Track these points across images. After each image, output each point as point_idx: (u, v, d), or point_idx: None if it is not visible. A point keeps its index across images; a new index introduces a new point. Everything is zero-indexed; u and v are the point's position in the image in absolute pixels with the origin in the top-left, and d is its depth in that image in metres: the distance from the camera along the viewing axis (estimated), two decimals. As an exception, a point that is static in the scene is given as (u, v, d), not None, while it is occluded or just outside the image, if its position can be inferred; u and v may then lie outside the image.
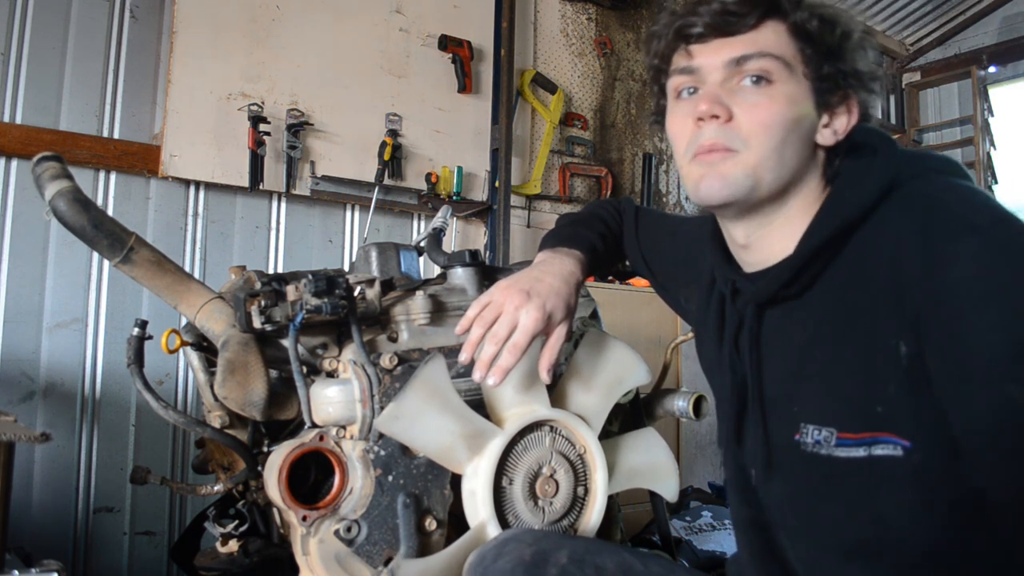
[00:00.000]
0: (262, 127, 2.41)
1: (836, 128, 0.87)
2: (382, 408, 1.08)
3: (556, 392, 1.19)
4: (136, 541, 2.23)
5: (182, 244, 2.38)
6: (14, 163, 2.11)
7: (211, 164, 2.37)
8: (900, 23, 4.57)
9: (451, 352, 1.15)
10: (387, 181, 2.70)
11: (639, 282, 2.82)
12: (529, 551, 0.94)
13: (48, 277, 2.15)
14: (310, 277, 1.08)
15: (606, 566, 0.93)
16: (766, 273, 0.89)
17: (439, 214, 1.50)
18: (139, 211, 2.31)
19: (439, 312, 1.21)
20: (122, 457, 2.22)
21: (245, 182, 2.42)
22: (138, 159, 2.28)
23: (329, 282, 1.08)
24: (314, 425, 1.12)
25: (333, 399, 1.11)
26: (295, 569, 1.11)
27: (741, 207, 0.87)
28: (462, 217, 2.98)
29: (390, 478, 1.10)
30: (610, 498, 1.21)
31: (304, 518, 1.06)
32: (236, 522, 1.21)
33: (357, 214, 2.75)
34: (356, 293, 1.14)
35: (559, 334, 1.05)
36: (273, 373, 1.12)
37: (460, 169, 2.89)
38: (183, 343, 1.12)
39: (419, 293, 1.21)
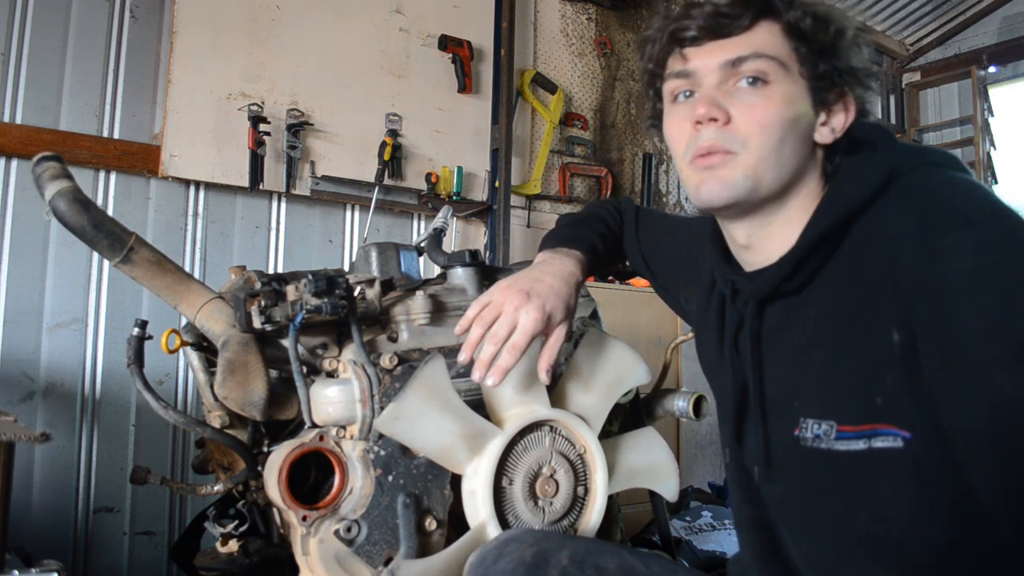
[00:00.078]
0: (262, 127, 2.41)
1: (834, 126, 0.87)
2: (382, 408, 1.08)
3: (556, 392, 1.19)
4: (136, 541, 2.23)
5: (182, 244, 2.38)
6: (14, 163, 2.11)
7: (211, 164, 2.37)
8: (900, 23, 4.56)
9: (451, 352, 1.15)
10: (387, 181, 2.70)
11: (639, 282, 2.82)
12: (530, 552, 0.94)
13: (48, 277, 2.16)
14: (310, 277, 1.08)
15: (607, 567, 0.93)
16: (766, 271, 0.89)
17: (439, 214, 1.50)
18: (139, 211, 2.31)
19: (439, 312, 1.21)
20: (122, 457, 2.22)
21: (245, 182, 2.42)
22: (138, 159, 2.28)
23: (329, 282, 1.08)
24: (314, 425, 1.12)
25: (333, 399, 1.11)
26: (295, 569, 1.11)
27: (742, 208, 0.87)
28: (462, 217, 2.98)
29: (390, 478, 1.10)
30: (610, 498, 1.21)
31: (304, 518, 1.06)
32: (236, 522, 1.21)
33: (357, 214, 2.75)
34: (356, 293, 1.14)
35: (559, 334, 1.05)
36: (273, 373, 1.12)
37: (460, 169, 2.89)
38: (183, 343, 1.12)
39: (419, 293, 1.21)
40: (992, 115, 4.40)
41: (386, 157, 2.66)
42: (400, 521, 1.09)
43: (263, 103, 2.44)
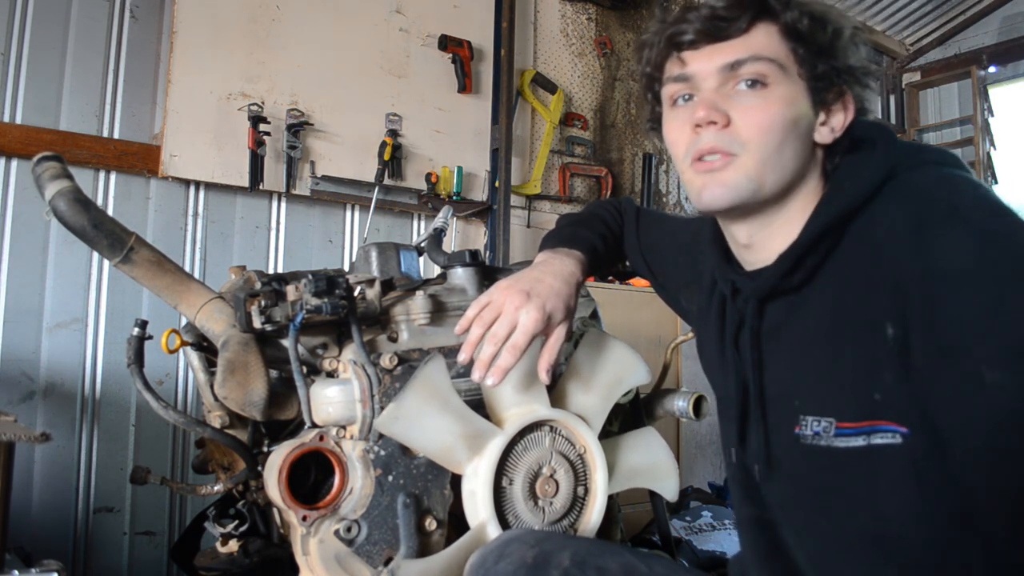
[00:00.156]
0: (262, 127, 2.41)
1: (833, 125, 0.87)
2: (382, 408, 1.08)
3: (556, 392, 1.19)
4: (136, 541, 2.23)
5: (182, 244, 2.38)
6: (14, 163, 2.11)
7: (211, 164, 2.37)
8: (900, 23, 4.56)
9: (451, 352, 1.15)
10: (387, 181, 2.70)
11: (639, 282, 2.82)
12: (531, 553, 0.94)
13: (48, 277, 2.16)
14: (310, 277, 1.08)
15: (609, 567, 0.92)
16: (766, 269, 0.89)
17: (440, 214, 1.50)
18: (139, 211, 2.31)
19: (439, 312, 1.21)
20: (122, 457, 2.22)
21: (245, 182, 2.42)
22: (138, 159, 2.28)
23: (329, 282, 1.08)
24: (314, 425, 1.12)
25: (333, 399, 1.11)
26: (295, 569, 1.11)
27: (744, 210, 0.88)
28: (462, 217, 2.98)
29: (390, 478, 1.10)
30: (610, 498, 1.21)
31: (304, 518, 1.06)
32: (236, 522, 1.21)
33: (357, 214, 2.75)
34: (356, 293, 1.14)
35: (559, 334, 1.05)
36: (273, 373, 1.12)
37: (460, 169, 2.89)
38: (183, 343, 1.12)
39: (419, 293, 1.21)
40: (992, 115, 4.40)
41: (386, 157, 2.66)
42: (400, 521, 1.09)
43: (263, 103, 2.44)
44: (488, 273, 1.33)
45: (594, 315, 1.41)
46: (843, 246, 0.84)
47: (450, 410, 1.08)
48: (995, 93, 4.44)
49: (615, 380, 1.23)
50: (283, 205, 2.59)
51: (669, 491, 1.29)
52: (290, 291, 1.09)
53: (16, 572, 1.09)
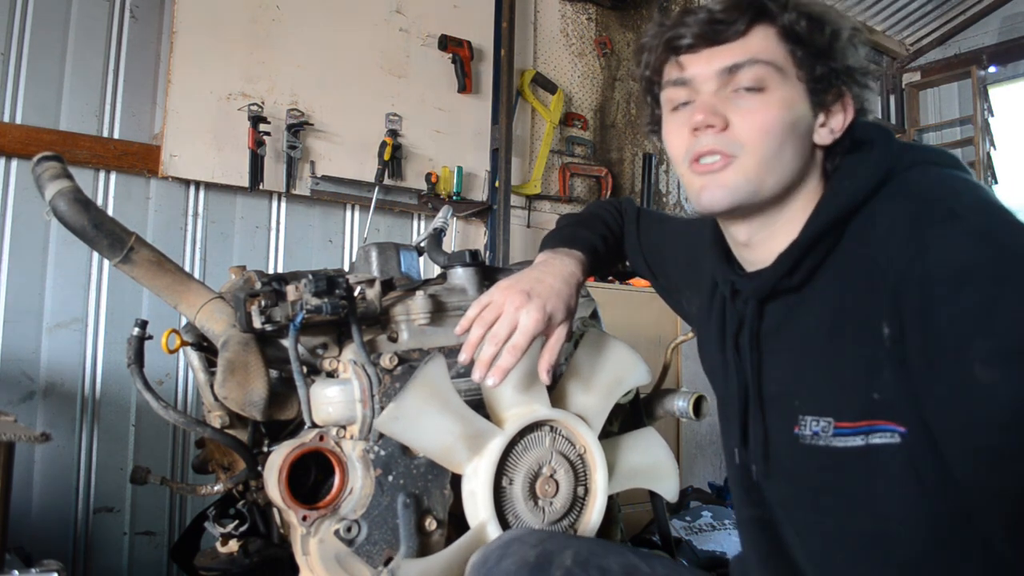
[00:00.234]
0: (262, 127, 2.41)
1: (833, 127, 0.87)
2: (382, 408, 1.08)
3: (556, 392, 1.19)
4: (136, 541, 2.23)
5: (182, 244, 2.38)
6: (14, 163, 2.11)
7: (211, 164, 2.37)
8: (900, 23, 4.56)
9: (451, 352, 1.15)
10: (387, 181, 2.70)
11: (639, 282, 2.82)
12: (533, 552, 0.94)
13: (48, 277, 2.15)
14: (310, 277, 1.08)
15: (611, 567, 0.93)
16: (765, 269, 0.89)
17: (440, 214, 1.50)
18: (139, 211, 2.31)
19: (439, 312, 1.21)
20: (122, 457, 2.22)
21: (245, 182, 2.42)
22: (138, 159, 2.28)
23: (329, 282, 1.08)
24: (314, 425, 1.12)
25: (333, 399, 1.11)
26: (295, 569, 1.11)
27: (743, 211, 0.88)
28: (462, 217, 2.98)
29: (390, 478, 1.10)
30: (610, 498, 1.21)
31: (304, 518, 1.06)
32: (236, 522, 1.21)
33: (357, 214, 2.75)
34: (356, 293, 1.14)
35: (559, 335, 1.05)
36: (273, 373, 1.12)
37: (460, 169, 2.89)
38: (183, 343, 1.12)
39: (419, 293, 1.21)
40: (992, 115, 4.40)
41: (386, 157, 2.66)
42: (400, 521, 1.09)
43: (263, 103, 2.44)
44: (488, 273, 1.33)
45: (594, 315, 1.41)
46: (842, 246, 0.84)
47: (450, 410, 1.08)
48: (995, 93, 4.44)
49: (615, 380, 1.23)
50: (283, 205, 2.59)
51: (669, 491, 1.29)
52: (290, 291, 1.09)
53: (16, 572, 1.09)
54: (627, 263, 1.32)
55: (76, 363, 2.17)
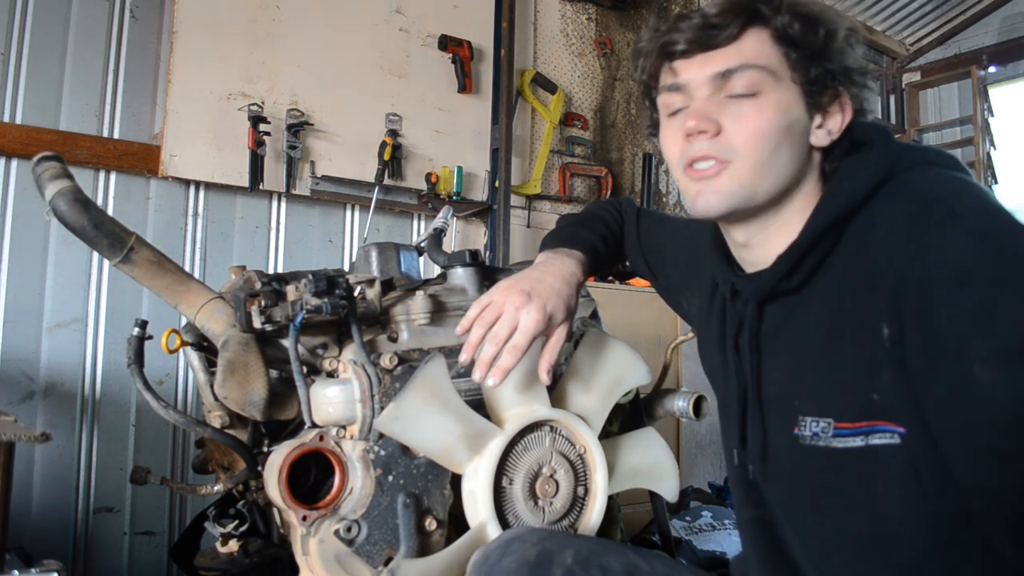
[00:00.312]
0: (262, 127, 2.41)
1: (830, 128, 0.87)
2: (382, 408, 1.08)
3: (556, 392, 1.19)
4: (136, 541, 2.23)
5: (182, 244, 2.38)
6: (14, 163, 2.11)
7: (211, 164, 2.37)
8: (900, 23, 4.56)
9: (451, 352, 1.15)
10: (387, 181, 2.70)
11: (639, 282, 2.82)
12: (534, 551, 0.94)
13: (48, 277, 2.15)
14: (310, 277, 1.08)
15: (611, 566, 0.93)
16: (765, 271, 0.89)
17: (440, 214, 1.50)
18: (139, 211, 2.31)
19: (439, 312, 1.21)
20: (122, 457, 2.22)
21: (245, 182, 2.42)
22: (138, 159, 2.28)
23: (329, 282, 1.08)
24: (314, 425, 1.12)
25: (333, 399, 1.11)
26: (295, 569, 1.11)
27: (740, 215, 0.88)
28: (462, 217, 2.98)
29: (390, 478, 1.10)
30: (610, 498, 1.21)
31: (304, 518, 1.06)
32: (236, 522, 1.21)
33: (357, 214, 2.75)
34: (356, 293, 1.14)
35: (559, 335, 1.05)
36: (273, 373, 1.12)
37: (460, 169, 2.89)
38: (183, 343, 1.12)
39: (419, 293, 1.21)
40: (992, 115, 4.40)
41: (386, 157, 2.66)
42: (400, 521, 1.09)
43: (263, 103, 2.44)
44: (488, 273, 1.33)
45: (594, 315, 1.41)
46: (841, 247, 0.84)
47: (450, 410, 1.08)
48: (995, 93, 4.43)
49: (615, 380, 1.23)
50: (283, 205, 2.59)
51: (669, 491, 1.29)
52: (290, 291, 1.09)
53: (16, 572, 1.09)
54: (627, 263, 1.32)
55: (76, 363, 2.17)
